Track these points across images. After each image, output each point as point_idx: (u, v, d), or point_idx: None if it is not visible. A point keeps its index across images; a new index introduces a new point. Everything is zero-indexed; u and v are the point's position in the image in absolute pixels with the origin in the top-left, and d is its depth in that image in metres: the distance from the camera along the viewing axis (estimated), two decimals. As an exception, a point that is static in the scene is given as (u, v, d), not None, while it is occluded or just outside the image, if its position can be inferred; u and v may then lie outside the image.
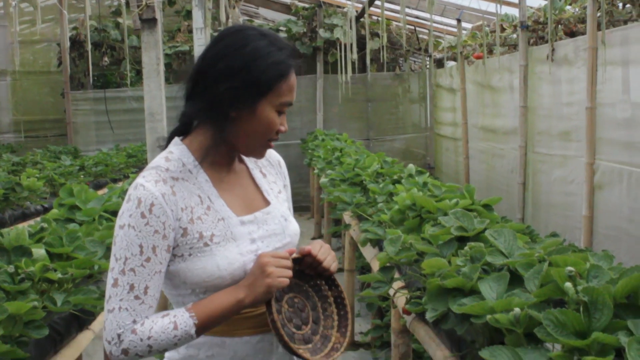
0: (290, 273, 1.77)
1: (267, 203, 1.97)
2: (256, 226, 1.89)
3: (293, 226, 2.01)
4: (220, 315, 1.74)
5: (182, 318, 1.70)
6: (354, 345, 5.85)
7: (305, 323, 1.88)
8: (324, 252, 1.88)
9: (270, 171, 2.07)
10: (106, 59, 12.64)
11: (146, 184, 1.72)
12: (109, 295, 1.69)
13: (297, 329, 1.85)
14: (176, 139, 1.88)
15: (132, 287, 1.68)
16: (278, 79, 1.78)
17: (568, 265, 1.73)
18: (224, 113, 1.78)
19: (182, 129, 1.90)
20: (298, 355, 1.78)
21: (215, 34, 1.78)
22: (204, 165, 1.85)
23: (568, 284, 1.61)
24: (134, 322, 1.68)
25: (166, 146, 1.89)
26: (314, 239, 10.21)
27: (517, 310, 1.68)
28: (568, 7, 6.93)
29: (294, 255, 1.85)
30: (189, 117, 1.87)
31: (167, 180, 1.75)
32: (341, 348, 1.87)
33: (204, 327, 1.72)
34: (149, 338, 1.67)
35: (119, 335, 1.67)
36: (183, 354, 1.87)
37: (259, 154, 1.91)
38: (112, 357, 1.69)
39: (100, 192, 4.31)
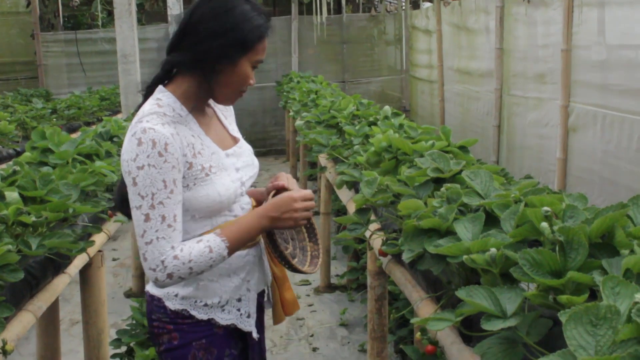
0: (310, 213, 2.11)
1: (235, 140, 2.27)
2: (235, 158, 2.18)
3: (256, 159, 2.33)
4: (246, 239, 2.04)
5: (215, 242, 1.96)
6: (330, 288, 5.90)
7: (287, 242, 2.31)
8: (290, 181, 2.24)
9: (227, 114, 2.33)
10: (76, -1, 12.42)
11: (155, 127, 1.91)
12: (142, 230, 1.89)
13: (285, 248, 2.23)
14: (160, 87, 2.07)
15: (163, 218, 1.90)
16: (258, 40, 2.03)
17: (544, 206, 1.74)
18: (211, 65, 2.01)
19: (163, 76, 2.10)
20: (294, 269, 2.15)
21: None
22: (199, 104, 2.13)
23: (544, 224, 1.61)
24: (172, 248, 1.91)
25: (149, 92, 2.10)
26: (289, 181, 10.23)
27: (493, 250, 1.69)
28: (545, -53, 6.86)
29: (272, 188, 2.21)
30: (173, 66, 2.08)
31: (169, 123, 1.96)
32: (319, 255, 2.30)
33: (233, 249, 1.99)
34: (189, 261, 1.91)
35: (162, 262, 1.89)
36: (189, 291, 2.11)
37: (231, 101, 2.16)
38: (158, 283, 1.92)
39: (73, 136, 4.26)
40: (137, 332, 4.01)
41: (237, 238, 1.99)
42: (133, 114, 2.10)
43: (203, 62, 2.00)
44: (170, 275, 1.89)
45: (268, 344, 4.85)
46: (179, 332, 2.11)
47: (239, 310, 2.18)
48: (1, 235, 2.38)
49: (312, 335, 4.99)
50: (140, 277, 5.92)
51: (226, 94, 2.10)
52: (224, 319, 2.14)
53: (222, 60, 2.00)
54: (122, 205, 2.11)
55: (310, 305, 5.57)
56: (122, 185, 2.05)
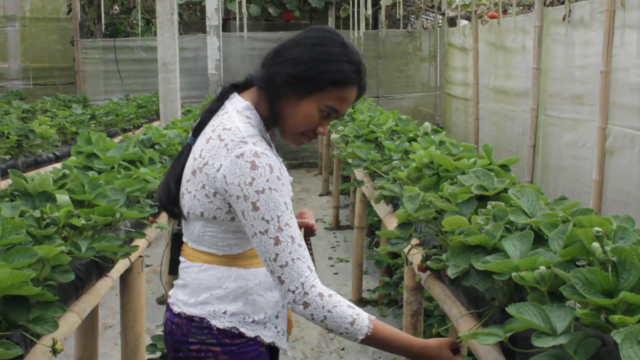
0: None
1: None
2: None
3: None
4: (385, 345, 1.94)
5: (362, 320, 1.89)
6: (361, 302, 5.91)
7: None
8: (313, 218, 2.32)
9: None
10: (116, 7, 12.58)
11: (266, 152, 1.91)
12: (275, 254, 1.86)
13: None
14: (248, 104, 2.06)
15: (293, 239, 1.87)
16: (332, 85, 1.96)
17: (594, 226, 1.75)
18: (276, 89, 1.99)
19: (241, 85, 2.11)
20: None
21: None
22: (268, 128, 2.10)
23: (595, 244, 1.63)
24: (309, 268, 1.88)
25: (223, 95, 2.11)
26: (321, 195, 10.28)
27: (542, 268, 1.71)
28: (586, -32, 6.86)
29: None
30: (252, 79, 2.07)
31: (270, 149, 1.97)
32: None
33: (369, 340, 1.91)
34: (329, 311, 1.86)
35: (302, 284, 1.86)
36: (234, 286, 2.06)
37: (292, 141, 2.09)
38: (293, 307, 1.88)
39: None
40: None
41: (381, 336, 1.92)
42: (210, 114, 2.10)
43: (271, 83, 1.99)
44: (305, 305, 1.85)
45: (299, 355, 4.88)
46: (227, 354, 2.05)
47: (276, 327, 2.14)
48: (52, 236, 2.43)
49: (342, 349, 5.00)
50: (172, 284, 5.96)
51: (288, 129, 2.05)
52: (267, 336, 2.10)
53: (285, 88, 1.97)
54: (168, 201, 2.11)
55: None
56: (172, 182, 2.09)
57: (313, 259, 2.17)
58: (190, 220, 2.07)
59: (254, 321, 2.07)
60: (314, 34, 2.01)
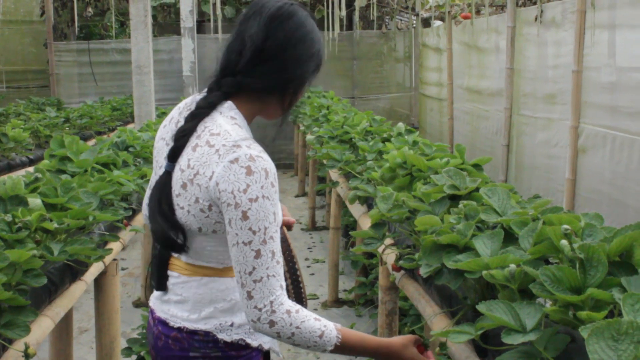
0: None
1: None
2: None
3: None
4: (353, 351, 1.88)
5: (329, 331, 1.82)
6: (337, 303, 5.93)
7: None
8: (288, 213, 2.25)
9: None
10: (90, 9, 12.51)
11: (262, 155, 1.80)
12: (252, 267, 1.76)
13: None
14: (230, 104, 1.93)
15: (273, 254, 1.78)
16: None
17: (563, 224, 1.77)
18: (293, 91, 1.96)
19: (224, 99, 1.94)
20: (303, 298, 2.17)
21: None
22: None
23: (564, 242, 1.65)
24: (281, 287, 1.79)
25: (202, 114, 1.92)
26: (297, 196, 10.28)
27: (512, 266, 1.73)
28: (557, -31, 6.92)
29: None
30: (242, 89, 1.93)
31: (263, 149, 1.85)
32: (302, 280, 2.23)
33: (338, 350, 1.84)
34: (297, 327, 1.78)
35: (271, 303, 1.76)
36: (243, 319, 1.99)
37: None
38: (256, 325, 1.79)
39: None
40: (147, 342, 4.04)
41: (350, 344, 1.86)
42: (184, 137, 1.90)
43: (284, 89, 1.94)
44: (272, 324, 1.77)
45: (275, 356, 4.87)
46: None
47: None
48: (24, 240, 2.42)
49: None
50: (150, 287, 5.94)
51: (280, 117, 2.05)
52: (266, 342, 2.04)
53: (302, 87, 1.98)
54: (169, 236, 1.92)
55: (317, 319, 5.59)
56: (169, 215, 1.90)
57: (293, 254, 2.20)
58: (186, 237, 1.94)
59: None
60: (294, 23, 1.93)
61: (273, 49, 1.89)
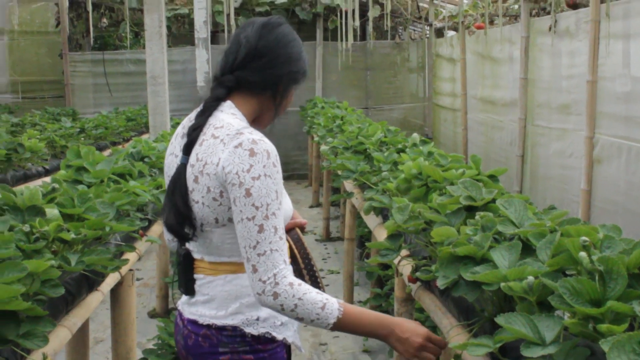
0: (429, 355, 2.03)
1: None
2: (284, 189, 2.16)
3: None
4: (355, 328, 1.95)
5: (331, 304, 1.89)
6: (352, 313, 5.90)
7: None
8: (299, 216, 2.42)
9: None
10: (105, 20, 12.56)
11: (264, 139, 1.96)
12: (255, 241, 1.88)
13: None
14: (230, 103, 2.12)
15: (276, 229, 1.90)
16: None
17: (581, 236, 1.77)
18: (280, 91, 2.15)
19: (225, 94, 2.13)
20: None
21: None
22: None
23: (582, 253, 1.64)
24: (284, 262, 1.89)
25: (209, 109, 2.09)
26: (311, 207, 10.28)
27: (530, 278, 1.72)
28: (571, -21, 6.91)
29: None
30: (240, 84, 2.12)
31: (264, 135, 2.00)
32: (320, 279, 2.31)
33: (340, 325, 1.90)
34: (299, 299, 1.86)
35: (275, 275, 1.86)
36: (268, 312, 2.09)
37: (268, 126, 2.24)
38: (261, 297, 1.87)
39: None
40: (163, 352, 4.05)
41: (352, 320, 1.92)
42: (195, 131, 2.06)
43: (276, 84, 2.13)
44: (275, 295, 1.85)
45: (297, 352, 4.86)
46: None
47: (293, 325, 2.18)
48: (42, 251, 2.43)
49: (334, 360, 5.01)
50: (165, 297, 5.96)
51: (271, 117, 2.22)
52: (290, 336, 2.14)
53: (289, 86, 2.16)
54: (179, 223, 2.04)
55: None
56: (181, 205, 2.01)
57: (308, 252, 2.31)
58: (206, 232, 2.06)
59: (282, 323, 2.11)
60: (281, 31, 2.16)
61: (265, 47, 2.10)
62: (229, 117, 2.06)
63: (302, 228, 2.40)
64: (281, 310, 1.87)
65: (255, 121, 2.18)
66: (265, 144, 1.93)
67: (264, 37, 2.11)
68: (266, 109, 2.18)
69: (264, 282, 1.86)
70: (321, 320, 1.88)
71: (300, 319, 1.89)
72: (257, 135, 1.96)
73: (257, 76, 2.10)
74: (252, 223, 1.88)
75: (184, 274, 2.16)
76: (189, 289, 2.15)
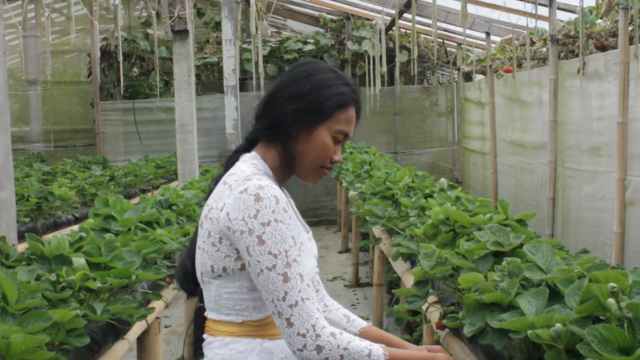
0: None
1: (306, 228, 2.08)
2: (312, 245, 2.05)
3: None
4: None
5: (376, 349, 1.79)
6: (382, 360, 5.83)
7: None
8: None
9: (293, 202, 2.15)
10: (135, 69, 12.76)
11: (271, 184, 1.83)
12: (284, 292, 1.73)
13: None
14: (254, 154, 2.00)
15: (302, 277, 1.76)
16: (338, 108, 1.94)
17: (609, 282, 1.74)
18: (286, 130, 1.94)
19: (246, 147, 2.04)
20: None
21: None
22: (279, 181, 2.00)
23: (611, 300, 1.61)
24: (318, 310, 1.75)
25: (231, 161, 2.02)
26: (340, 252, 10.24)
27: (558, 325, 1.69)
28: (599, 20, 6.90)
29: None
30: (255, 135, 2.02)
31: (274, 182, 1.90)
32: None
33: None
34: (345, 349, 1.74)
35: (313, 327, 1.73)
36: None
37: (312, 178, 2.02)
38: (303, 354, 1.73)
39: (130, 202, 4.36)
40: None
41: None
42: (215, 182, 2.00)
43: (278, 127, 1.94)
44: (319, 349, 1.72)
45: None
46: None
47: None
48: (68, 300, 2.44)
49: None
50: (192, 344, 5.92)
51: (304, 166, 1.98)
52: None
53: (296, 125, 1.93)
54: (185, 279, 2.02)
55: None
56: (187, 259, 2.00)
57: None
58: (205, 284, 1.93)
59: None
60: (302, 68, 1.99)
61: (274, 91, 1.98)
62: (246, 165, 1.95)
63: None
64: None
65: (287, 170, 2.01)
66: (273, 190, 1.79)
67: (281, 79, 2.00)
68: (289, 155, 1.97)
69: (304, 335, 1.72)
70: None
71: None
72: (265, 182, 1.82)
73: (264, 122, 1.98)
74: (275, 272, 1.74)
75: (195, 332, 2.06)
76: (197, 350, 2.04)
